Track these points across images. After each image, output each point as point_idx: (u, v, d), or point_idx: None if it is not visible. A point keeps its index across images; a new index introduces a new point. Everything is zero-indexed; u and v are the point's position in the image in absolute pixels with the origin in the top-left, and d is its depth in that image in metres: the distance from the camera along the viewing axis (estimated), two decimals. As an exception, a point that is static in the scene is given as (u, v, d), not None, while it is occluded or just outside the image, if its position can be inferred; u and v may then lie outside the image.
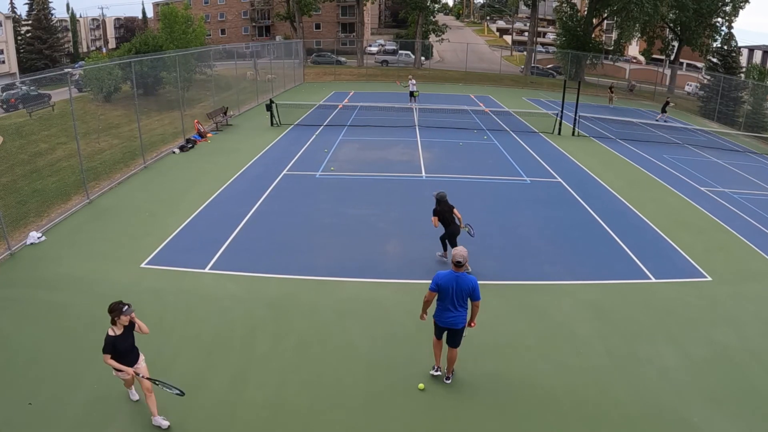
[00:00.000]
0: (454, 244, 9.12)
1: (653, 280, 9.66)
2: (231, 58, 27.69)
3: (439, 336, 6.64)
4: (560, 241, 11.21)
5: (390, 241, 10.82)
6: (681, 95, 43.66)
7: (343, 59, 52.22)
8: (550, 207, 13.31)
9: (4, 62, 48.79)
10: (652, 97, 41.51)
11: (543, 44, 69.53)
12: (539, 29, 65.02)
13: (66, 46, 62.78)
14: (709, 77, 37.03)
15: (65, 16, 68.73)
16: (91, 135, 19.58)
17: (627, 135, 23.37)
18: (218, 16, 70.84)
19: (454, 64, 54.31)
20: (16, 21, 54.14)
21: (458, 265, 6.14)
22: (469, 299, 6.26)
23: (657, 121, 28.23)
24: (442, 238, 9.80)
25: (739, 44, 44.90)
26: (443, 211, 9.37)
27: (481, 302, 6.30)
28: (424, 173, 15.70)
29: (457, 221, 9.48)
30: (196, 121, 20.22)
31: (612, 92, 34.96)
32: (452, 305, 6.24)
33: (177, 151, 17.73)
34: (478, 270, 9.48)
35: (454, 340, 6.49)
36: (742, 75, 39.01)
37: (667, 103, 30.29)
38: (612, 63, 51.07)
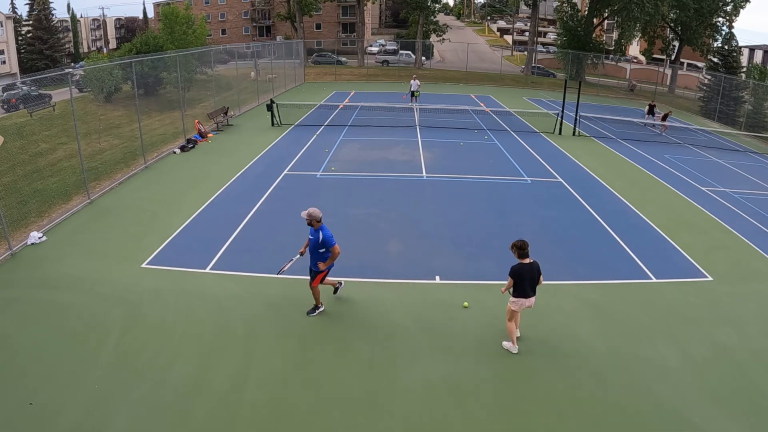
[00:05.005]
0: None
1: (654, 279, 9.65)
2: (232, 58, 27.67)
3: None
4: (561, 240, 11.20)
5: (390, 241, 10.82)
6: (681, 95, 43.61)
7: (343, 59, 52.21)
8: (551, 207, 13.30)
9: (4, 62, 48.83)
10: (653, 97, 41.46)
11: (544, 44, 69.50)
12: (540, 29, 64.99)
13: (67, 46, 62.74)
14: (709, 77, 36.99)
15: (66, 16, 68.77)
16: (91, 135, 19.58)
17: (628, 135, 23.35)
18: (219, 16, 70.86)
19: (454, 64, 54.27)
20: (17, 21, 54.17)
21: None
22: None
23: (645, 125, 26.70)
24: None
25: (740, 44, 44.88)
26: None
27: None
28: (424, 173, 15.69)
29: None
30: (196, 121, 20.23)
31: (665, 120, 25.48)
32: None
33: (178, 151, 17.73)
34: (479, 270, 9.48)
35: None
36: (743, 75, 38.99)
37: (652, 107, 27.02)
38: (614, 63, 51.03)
